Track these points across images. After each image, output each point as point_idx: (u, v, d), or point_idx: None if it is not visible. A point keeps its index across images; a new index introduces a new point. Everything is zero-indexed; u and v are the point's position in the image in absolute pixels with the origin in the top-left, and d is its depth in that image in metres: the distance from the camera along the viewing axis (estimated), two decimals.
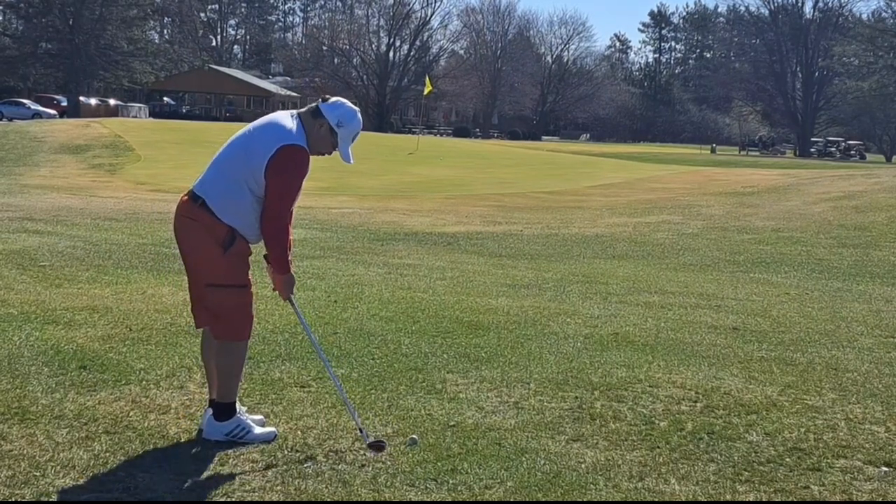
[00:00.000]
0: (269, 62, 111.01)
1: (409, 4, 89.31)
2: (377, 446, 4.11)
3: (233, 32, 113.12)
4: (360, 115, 4.33)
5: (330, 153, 4.31)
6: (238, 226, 4.12)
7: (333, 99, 4.33)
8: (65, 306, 6.92)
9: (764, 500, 3.82)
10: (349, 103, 4.33)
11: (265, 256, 4.27)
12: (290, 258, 4.23)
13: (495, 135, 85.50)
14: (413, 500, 3.67)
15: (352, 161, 4.33)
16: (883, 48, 74.90)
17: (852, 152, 70.90)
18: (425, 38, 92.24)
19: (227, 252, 4.10)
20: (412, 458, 4.06)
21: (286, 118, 4.24)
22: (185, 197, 4.22)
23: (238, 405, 4.33)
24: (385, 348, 6.05)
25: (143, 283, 8.22)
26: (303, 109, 4.32)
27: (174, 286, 8.11)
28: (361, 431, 4.22)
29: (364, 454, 4.09)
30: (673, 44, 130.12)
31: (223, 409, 4.23)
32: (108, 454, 3.99)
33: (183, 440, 4.22)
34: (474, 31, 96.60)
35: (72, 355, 5.49)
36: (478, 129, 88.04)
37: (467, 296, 8.40)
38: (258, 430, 4.25)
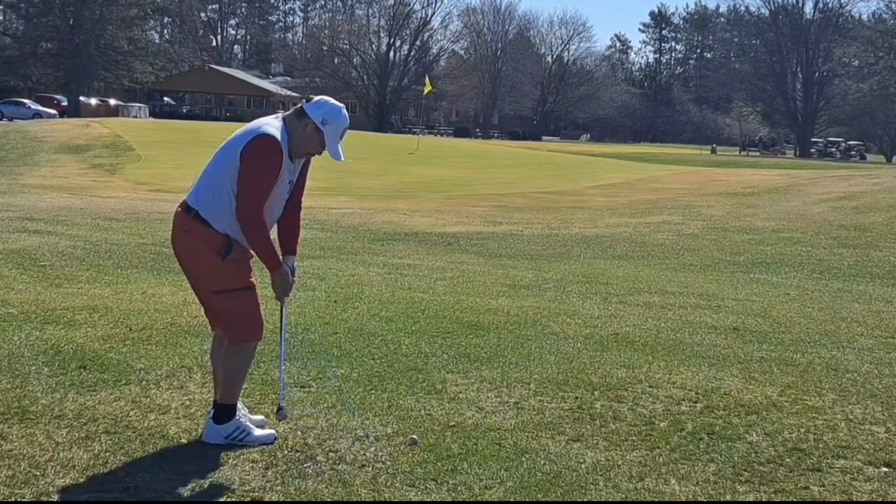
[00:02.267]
0: (269, 62, 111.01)
1: (409, 4, 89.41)
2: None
3: (233, 32, 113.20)
4: (345, 112, 4.28)
5: (320, 153, 4.27)
6: (229, 232, 4.08)
7: (317, 98, 4.28)
8: (65, 306, 6.93)
9: (764, 500, 3.82)
10: (333, 101, 4.28)
11: None
12: (275, 253, 4.15)
13: (496, 135, 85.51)
14: (413, 500, 3.67)
15: (342, 159, 4.26)
16: (883, 49, 74.90)
17: (852, 153, 70.92)
18: (425, 39, 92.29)
19: (225, 259, 4.09)
20: (412, 458, 4.07)
21: (268, 119, 4.20)
22: (180, 209, 4.18)
23: (240, 404, 4.33)
24: (385, 348, 6.06)
25: (143, 283, 8.22)
26: (288, 112, 4.28)
27: (174, 286, 8.11)
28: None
29: (364, 454, 4.09)
30: (673, 44, 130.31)
31: (224, 412, 4.22)
32: (108, 454, 3.99)
33: (183, 440, 4.22)
34: (475, 31, 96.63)
35: (72, 355, 5.49)
36: (478, 130, 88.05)
37: (467, 296, 8.40)
38: (258, 432, 4.24)
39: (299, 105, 4.26)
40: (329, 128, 4.18)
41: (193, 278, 4.22)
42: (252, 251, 4.17)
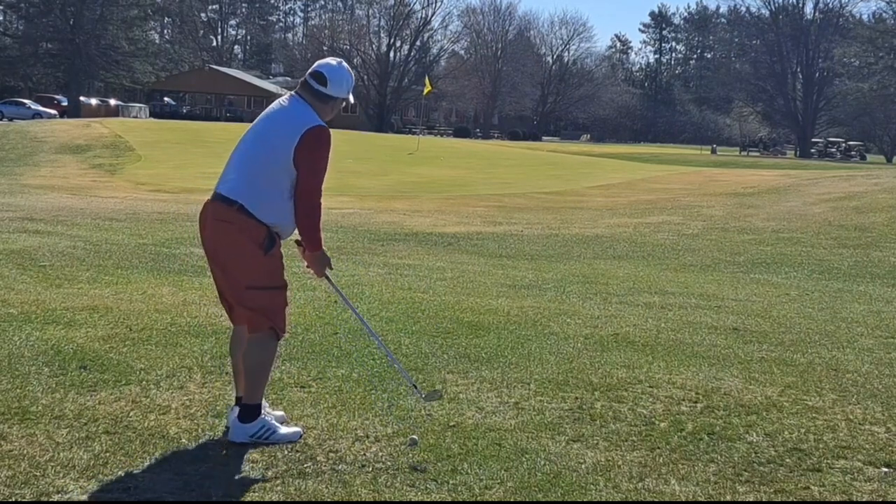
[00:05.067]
0: (269, 62, 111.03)
1: (409, 5, 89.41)
2: (435, 395, 4.35)
3: (233, 32, 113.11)
4: (347, 66, 4.41)
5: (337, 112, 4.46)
6: (277, 222, 4.16)
7: (328, 75, 4.28)
8: (65, 306, 6.92)
9: (764, 500, 3.82)
10: (337, 65, 4.35)
11: (297, 241, 4.33)
12: (321, 236, 4.26)
13: (496, 135, 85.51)
14: (413, 500, 3.67)
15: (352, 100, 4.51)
16: (883, 49, 74.88)
17: (853, 153, 70.95)
18: (426, 39, 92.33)
19: (267, 254, 4.15)
20: (412, 458, 4.07)
21: (291, 104, 4.27)
22: (213, 202, 4.22)
23: (263, 402, 4.33)
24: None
25: (144, 283, 8.22)
26: (303, 94, 4.29)
27: (174, 286, 8.11)
28: (416, 388, 4.42)
29: (364, 454, 4.10)
30: (673, 44, 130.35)
31: (249, 411, 4.22)
32: (108, 454, 3.99)
33: (183, 440, 4.22)
34: (475, 31, 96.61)
35: (72, 355, 5.49)
36: (478, 130, 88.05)
37: (467, 296, 8.40)
38: (283, 429, 4.27)
39: (315, 89, 4.27)
40: (352, 93, 4.41)
41: (228, 272, 4.24)
42: (300, 231, 4.27)
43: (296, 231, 4.30)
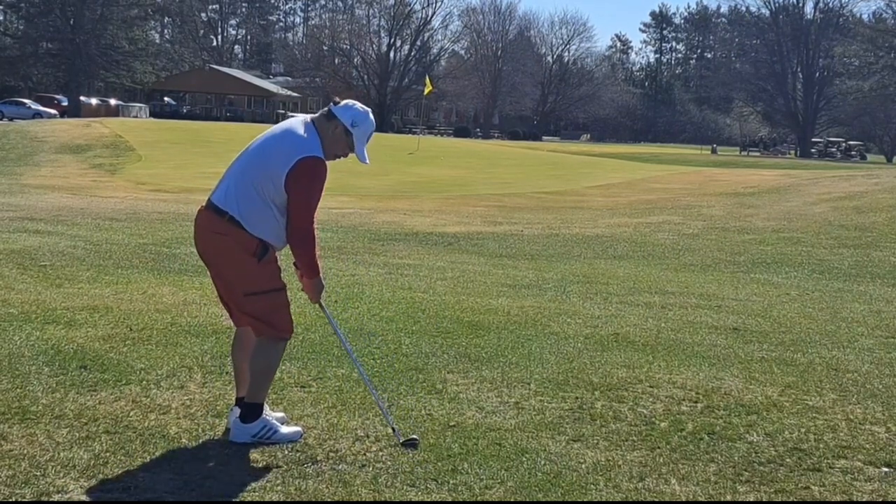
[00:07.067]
0: (269, 62, 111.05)
1: (409, 4, 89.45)
2: (411, 444, 4.18)
3: (233, 32, 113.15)
4: (372, 116, 4.39)
5: (346, 155, 4.37)
6: (266, 237, 4.16)
7: (344, 102, 4.38)
8: (65, 306, 6.93)
9: (764, 500, 3.82)
10: (360, 104, 4.39)
11: (295, 263, 4.32)
12: (318, 261, 4.27)
13: (496, 135, 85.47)
14: (413, 500, 3.67)
15: (367, 161, 4.39)
16: (883, 48, 74.91)
17: (853, 153, 70.93)
18: (426, 39, 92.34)
19: (260, 261, 4.15)
20: (412, 458, 4.07)
21: (300, 126, 4.27)
22: (206, 210, 4.23)
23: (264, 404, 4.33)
24: (385, 348, 6.06)
25: (144, 283, 8.22)
26: (315, 115, 4.37)
27: (174, 286, 8.11)
28: (394, 431, 4.30)
29: (364, 454, 4.10)
30: (674, 44, 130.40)
31: (250, 410, 4.23)
32: (108, 454, 3.99)
33: (183, 440, 4.22)
34: (475, 31, 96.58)
35: (72, 355, 5.49)
36: (478, 129, 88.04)
37: (468, 296, 8.40)
38: (284, 429, 4.28)
39: (327, 108, 4.36)
40: (358, 130, 4.32)
41: (225, 281, 4.26)
42: (296, 260, 4.29)
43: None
